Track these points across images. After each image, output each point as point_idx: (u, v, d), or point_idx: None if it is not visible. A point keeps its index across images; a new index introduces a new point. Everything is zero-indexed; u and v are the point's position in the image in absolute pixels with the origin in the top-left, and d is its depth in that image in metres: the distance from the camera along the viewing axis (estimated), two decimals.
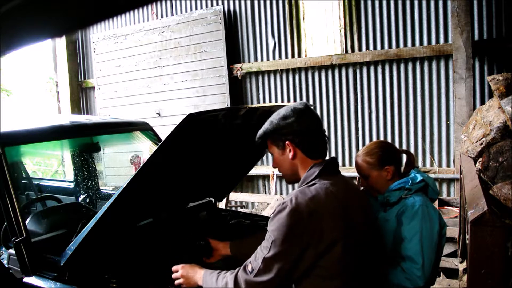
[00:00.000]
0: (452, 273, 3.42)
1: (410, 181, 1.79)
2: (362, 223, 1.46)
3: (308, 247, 1.30)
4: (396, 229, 1.75)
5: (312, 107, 1.52)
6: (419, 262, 1.64)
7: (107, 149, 5.87)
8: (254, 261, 1.33)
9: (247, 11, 5.67)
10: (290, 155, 1.47)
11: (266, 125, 1.51)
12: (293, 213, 1.29)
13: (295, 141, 1.46)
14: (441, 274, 3.43)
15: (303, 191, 1.38)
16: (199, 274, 1.55)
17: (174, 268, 1.67)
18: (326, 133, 1.57)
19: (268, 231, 1.34)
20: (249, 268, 1.34)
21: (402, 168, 1.93)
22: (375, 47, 4.97)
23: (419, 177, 1.80)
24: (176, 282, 1.64)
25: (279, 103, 5.47)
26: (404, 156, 1.94)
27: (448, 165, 4.73)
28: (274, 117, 1.49)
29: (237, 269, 1.41)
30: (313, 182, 1.42)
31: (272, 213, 1.37)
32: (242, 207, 5.74)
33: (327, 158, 1.54)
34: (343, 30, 5.16)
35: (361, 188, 1.95)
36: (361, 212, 1.48)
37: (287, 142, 1.46)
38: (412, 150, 4.87)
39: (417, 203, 1.73)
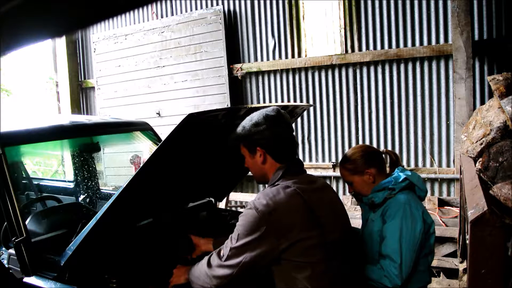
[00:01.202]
0: (452, 273, 3.42)
1: (393, 181, 1.80)
2: (329, 215, 1.55)
3: (270, 242, 1.43)
4: (381, 228, 1.76)
5: (284, 113, 1.59)
6: (397, 261, 1.64)
7: (107, 149, 5.87)
8: (225, 248, 1.51)
9: (247, 11, 5.67)
10: (260, 160, 1.58)
11: (238, 130, 1.59)
12: (255, 212, 1.44)
13: (265, 147, 1.56)
14: (441, 274, 3.43)
15: (265, 192, 1.51)
16: (184, 271, 1.75)
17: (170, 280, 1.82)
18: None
19: (237, 224, 1.51)
20: (221, 254, 1.52)
21: (388, 169, 1.94)
22: (375, 47, 4.97)
23: (402, 176, 1.80)
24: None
25: (279, 103, 5.47)
26: (387, 157, 1.95)
27: (448, 165, 4.73)
28: (247, 123, 1.57)
29: (211, 253, 1.60)
30: (276, 183, 1.54)
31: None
32: (242, 207, 5.74)
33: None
34: (343, 30, 5.16)
35: (350, 193, 1.98)
36: (328, 205, 1.59)
37: (257, 148, 1.57)
38: (412, 150, 4.87)
39: (400, 202, 1.74)
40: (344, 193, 5.30)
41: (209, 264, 1.55)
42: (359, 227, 2.06)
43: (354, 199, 5.10)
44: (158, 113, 6.14)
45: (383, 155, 1.94)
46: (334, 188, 5.36)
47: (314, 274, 1.46)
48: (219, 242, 2.03)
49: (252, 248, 1.44)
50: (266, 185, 1.62)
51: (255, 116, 1.56)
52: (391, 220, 1.71)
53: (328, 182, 5.35)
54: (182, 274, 1.76)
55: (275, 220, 1.42)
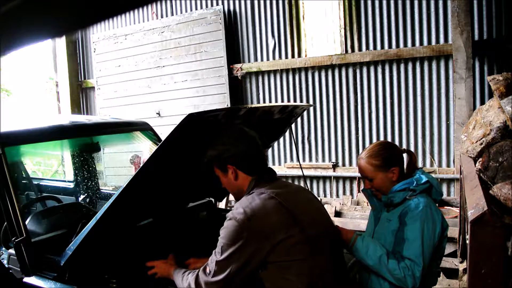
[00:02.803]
0: (452, 273, 3.42)
1: (415, 182, 1.78)
2: (307, 212, 1.60)
3: (254, 247, 1.47)
4: (398, 229, 1.74)
5: (247, 130, 1.67)
6: (420, 264, 1.64)
7: (107, 149, 5.87)
8: (210, 264, 1.54)
9: (247, 11, 5.67)
10: (233, 176, 1.65)
11: (209, 151, 1.67)
12: (234, 222, 1.49)
13: (234, 164, 1.63)
14: (441, 274, 3.43)
15: (241, 201, 1.57)
16: (169, 271, 1.80)
17: (149, 263, 1.88)
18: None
19: (219, 238, 1.54)
20: (207, 270, 1.55)
21: (405, 168, 1.92)
22: (375, 47, 4.97)
23: (424, 178, 1.79)
24: (150, 271, 1.86)
25: (279, 103, 5.47)
26: (405, 156, 1.93)
27: (448, 165, 4.73)
28: (216, 143, 1.65)
29: (196, 270, 1.61)
30: (250, 192, 1.61)
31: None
32: None
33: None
34: (343, 30, 5.17)
35: (362, 189, 1.95)
36: (305, 204, 1.65)
37: (228, 166, 1.64)
38: (412, 150, 4.86)
39: (421, 204, 1.72)
40: (344, 193, 5.30)
41: (197, 284, 1.56)
42: (359, 227, 2.05)
43: (354, 199, 5.10)
44: (158, 113, 6.14)
45: (403, 154, 1.92)
46: (334, 188, 5.36)
47: (302, 271, 1.49)
48: None
49: (237, 258, 1.47)
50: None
51: (220, 137, 1.65)
52: (413, 223, 1.69)
53: (328, 182, 5.36)
54: (168, 270, 1.81)
55: (254, 225, 1.47)
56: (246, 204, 1.52)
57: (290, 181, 5.38)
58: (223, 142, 1.64)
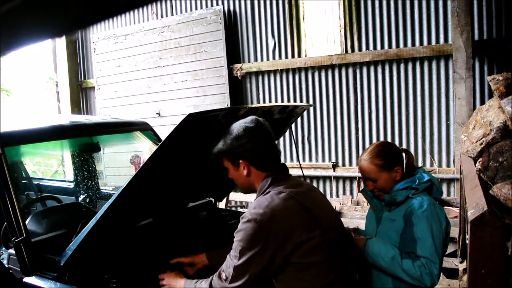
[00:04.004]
0: (452, 273, 3.42)
1: (417, 181, 1.79)
2: (324, 214, 1.57)
3: (275, 249, 1.40)
4: (404, 229, 1.74)
5: (263, 123, 1.58)
6: (436, 261, 1.65)
7: (107, 149, 5.87)
8: (227, 269, 1.46)
9: (247, 11, 5.67)
10: (245, 172, 1.57)
11: (220, 145, 1.58)
12: (254, 223, 1.41)
13: (248, 160, 1.55)
14: (441, 274, 3.43)
15: (259, 200, 1.49)
16: (180, 283, 1.70)
17: (160, 276, 1.80)
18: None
19: (235, 241, 1.45)
20: (223, 276, 1.46)
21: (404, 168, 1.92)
22: (375, 47, 4.97)
23: (426, 177, 1.80)
24: (161, 283, 1.78)
25: (279, 103, 5.47)
26: (403, 155, 1.93)
27: (448, 165, 4.73)
28: (227, 137, 1.56)
29: (211, 277, 1.52)
30: (267, 191, 1.52)
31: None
32: (242, 207, 5.74)
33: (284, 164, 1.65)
34: (343, 30, 5.17)
35: (361, 190, 1.95)
36: (320, 205, 1.60)
37: (241, 161, 1.55)
38: (412, 150, 4.87)
39: (425, 203, 1.73)
40: (344, 193, 5.30)
41: None
42: (359, 227, 2.05)
43: (354, 199, 5.10)
44: (158, 113, 6.14)
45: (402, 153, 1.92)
46: (334, 188, 5.36)
47: (319, 273, 1.46)
48: (213, 255, 1.99)
49: (258, 261, 1.40)
50: (256, 194, 1.60)
51: (234, 129, 1.55)
52: (421, 222, 1.70)
53: (328, 182, 5.36)
54: (178, 282, 1.71)
55: (275, 226, 1.40)
56: (266, 204, 1.44)
57: None
58: (238, 135, 1.53)
